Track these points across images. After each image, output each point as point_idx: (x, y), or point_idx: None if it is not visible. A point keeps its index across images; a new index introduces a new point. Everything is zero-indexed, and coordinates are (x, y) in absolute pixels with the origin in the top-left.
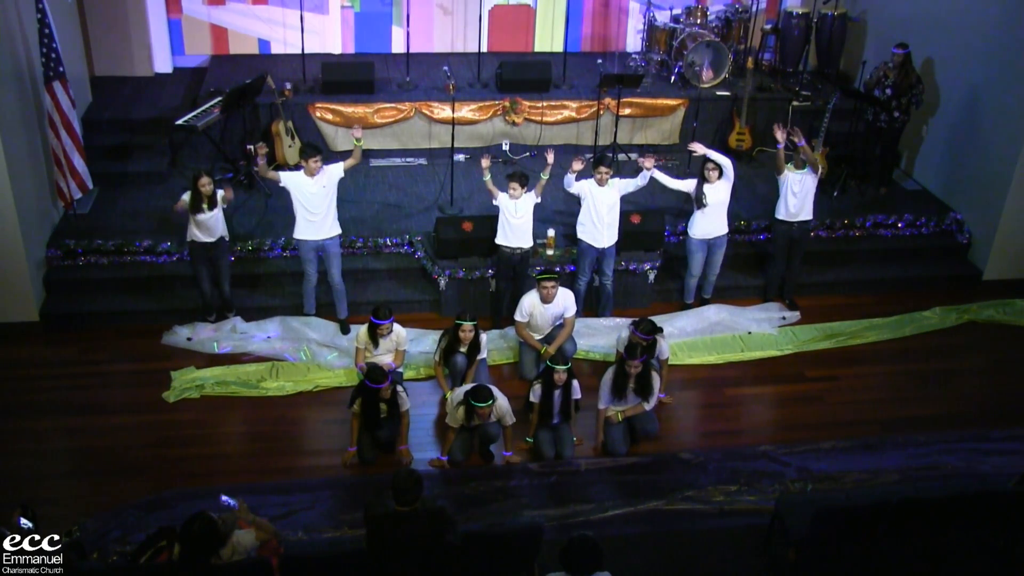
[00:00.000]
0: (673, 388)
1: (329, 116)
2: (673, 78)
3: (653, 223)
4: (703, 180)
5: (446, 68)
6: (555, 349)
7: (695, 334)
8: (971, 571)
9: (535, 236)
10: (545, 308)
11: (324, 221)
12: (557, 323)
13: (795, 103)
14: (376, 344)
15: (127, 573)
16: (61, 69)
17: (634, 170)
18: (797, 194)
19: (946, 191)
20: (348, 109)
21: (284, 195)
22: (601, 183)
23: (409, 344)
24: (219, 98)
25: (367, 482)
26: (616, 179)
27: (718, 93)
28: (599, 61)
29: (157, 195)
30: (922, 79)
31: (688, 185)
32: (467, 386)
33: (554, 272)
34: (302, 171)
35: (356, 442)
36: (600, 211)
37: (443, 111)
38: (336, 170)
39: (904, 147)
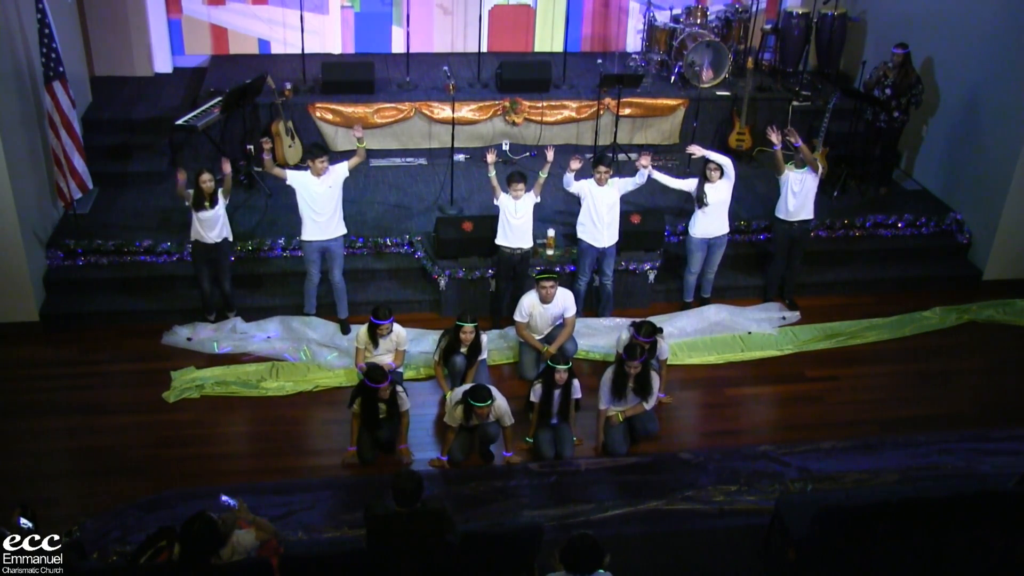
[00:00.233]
0: (673, 388)
1: (329, 116)
2: (673, 78)
3: (653, 223)
4: (704, 179)
5: (446, 68)
6: (556, 349)
7: (695, 334)
8: (971, 571)
9: (535, 236)
10: (545, 308)
11: (330, 222)
12: (557, 323)
13: (795, 103)
14: (376, 344)
15: (127, 573)
16: (61, 69)
17: (634, 170)
18: (797, 194)
19: (946, 191)
20: (348, 109)
21: (285, 195)
22: (601, 183)
23: (409, 344)
24: (219, 98)
25: (367, 482)
26: (616, 178)
27: (718, 93)
28: (599, 61)
29: (157, 195)
30: (922, 79)
31: (689, 185)
32: (467, 386)
33: (553, 272)
34: (308, 171)
35: (356, 442)
36: (600, 211)
37: (443, 111)
38: (341, 170)
39: (904, 147)
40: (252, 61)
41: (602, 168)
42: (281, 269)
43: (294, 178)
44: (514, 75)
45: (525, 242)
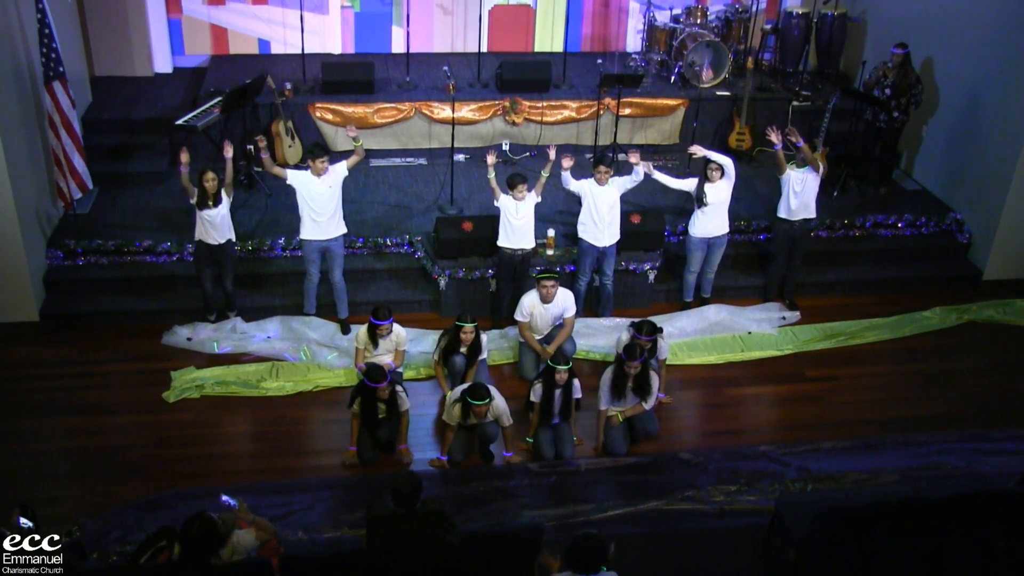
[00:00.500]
0: (673, 388)
1: (329, 116)
2: (673, 78)
3: (653, 223)
4: (705, 179)
5: (446, 68)
6: (554, 349)
7: (695, 334)
8: (971, 571)
9: (535, 236)
10: (545, 308)
11: (330, 221)
12: (557, 323)
13: (795, 103)
14: (376, 344)
15: (127, 573)
16: (61, 69)
17: (632, 169)
18: (799, 193)
19: (946, 191)
20: (348, 109)
21: (285, 194)
22: (601, 182)
23: (409, 344)
24: (219, 98)
25: (367, 482)
26: (615, 178)
27: (718, 93)
28: (599, 61)
29: (157, 195)
30: (921, 79)
31: (689, 184)
32: (466, 384)
33: (554, 272)
34: (308, 171)
35: (356, 442)
36: (600, 210)
37: (443, 111)
38: (341, 169)
39: (904, 147)
40: (252, 61)
41: (603, 168)
42: (281, 269)
43: (294, 178)
44: (514, 75)
45: (527, 243)
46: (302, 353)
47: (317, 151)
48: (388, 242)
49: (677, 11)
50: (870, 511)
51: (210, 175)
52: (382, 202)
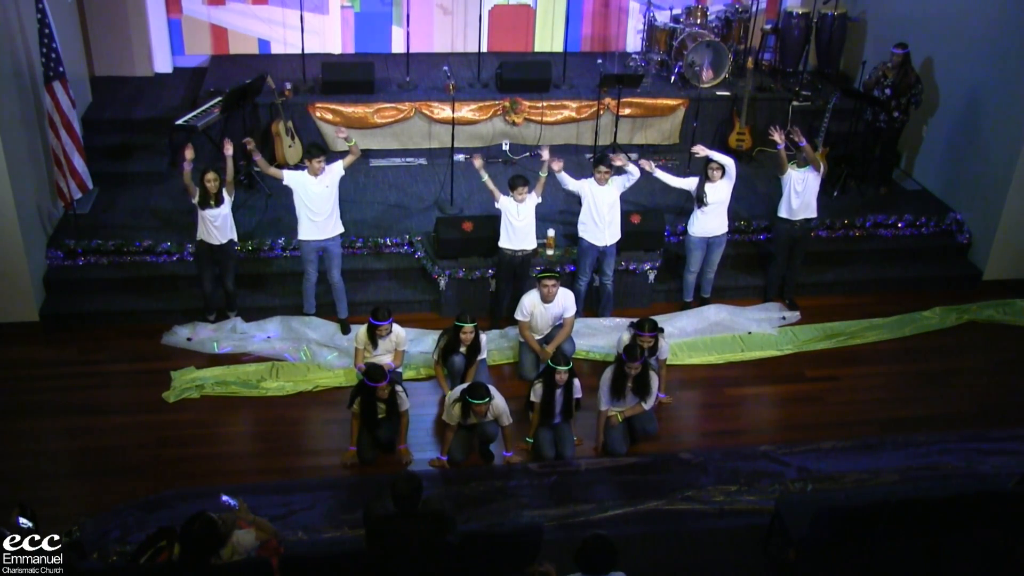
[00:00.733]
0: (673, 388)
1: (329, 116)
2: (673, 78)
3: (653, 223)
4: (705, 178)
5: (446, 68)
6: (553, 349)
7: (695, 334)
8: (971, 571)
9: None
10: (545, 308)
11: (328, 221)
12: (557, 323)
13: (795, 103)
14: (375, 345)
15: (127, 573)
16: (61, 69)
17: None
18: (800, 193)
19: (946, 191)
20: (348, 109)
21: (285, 195)
22: (601, 182)
23: (409, 344)
24: (219, 98)
25: (367, 482)
26: (615, 177)
27: (718, 93)
28: (599, 61)
29: (157, 195)
30: (921, 79)
31: (689, 183)
32: (466, 384)
33: (555, 271)
34: (305, 171)
35: (356, 442)
36: (601, 210)
37: (443, 111)
38: (337, 168)
39: (904, 147)
40: (252, 61)
41: (603, 168)
42: (281, 269)
43: (291, 178)
44: (514, 75)
45: (528, 243)
46: (302, 353)
47: (314, 151)
48: (388, 242)
49: (677, 11)
50: (870, 511)
51: (211, 175)
52: (382, 202)
